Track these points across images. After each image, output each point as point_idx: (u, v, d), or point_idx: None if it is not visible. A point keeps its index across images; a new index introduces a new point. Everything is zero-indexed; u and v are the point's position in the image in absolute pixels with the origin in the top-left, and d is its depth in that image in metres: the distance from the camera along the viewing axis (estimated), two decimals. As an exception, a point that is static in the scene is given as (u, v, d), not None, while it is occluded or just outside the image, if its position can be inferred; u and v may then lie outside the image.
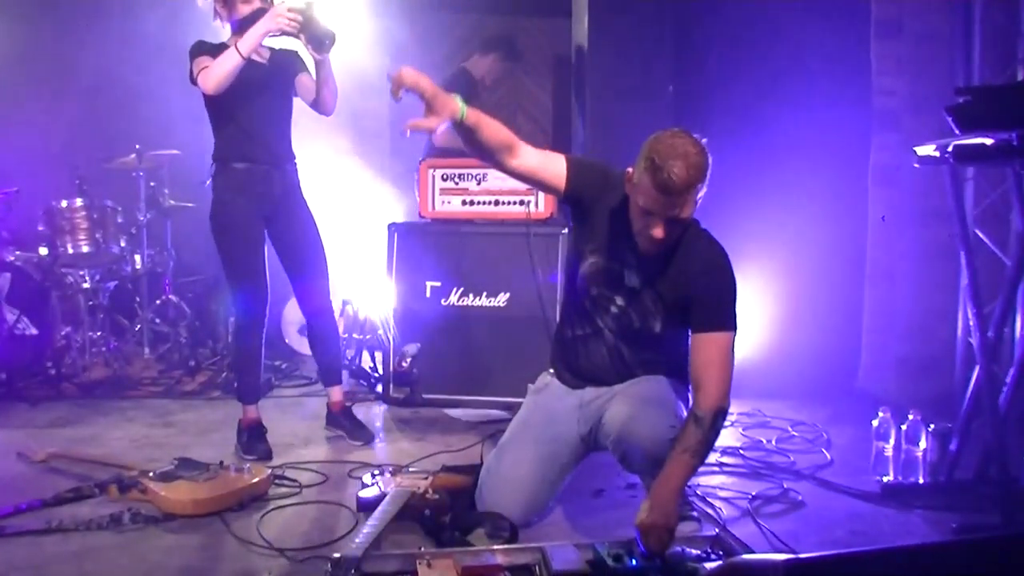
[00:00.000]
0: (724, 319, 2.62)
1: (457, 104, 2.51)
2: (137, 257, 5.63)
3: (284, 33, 3.45)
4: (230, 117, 3.62)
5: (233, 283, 3.75)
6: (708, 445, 2.56)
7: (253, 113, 3.63)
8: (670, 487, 2.46)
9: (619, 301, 2.80)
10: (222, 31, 3.72)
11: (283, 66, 3.76)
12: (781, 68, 4.91)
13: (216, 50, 3.51)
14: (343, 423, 3.99)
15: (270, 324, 3.92)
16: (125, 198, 5.68)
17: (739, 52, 5.01)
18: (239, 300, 3.77)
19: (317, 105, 3.76)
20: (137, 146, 5.54)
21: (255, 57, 3.53)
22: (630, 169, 2.60)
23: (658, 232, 2.52)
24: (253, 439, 3.76)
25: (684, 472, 2.51)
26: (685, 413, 2.73)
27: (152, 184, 5.71)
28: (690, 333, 2.70)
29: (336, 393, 4.03)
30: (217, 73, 3.42)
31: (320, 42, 3.46)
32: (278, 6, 3.44)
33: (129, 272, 5.61)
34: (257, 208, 3.70)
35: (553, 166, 2.73)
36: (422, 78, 2.45)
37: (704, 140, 2.51)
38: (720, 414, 2.56)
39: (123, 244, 5.45)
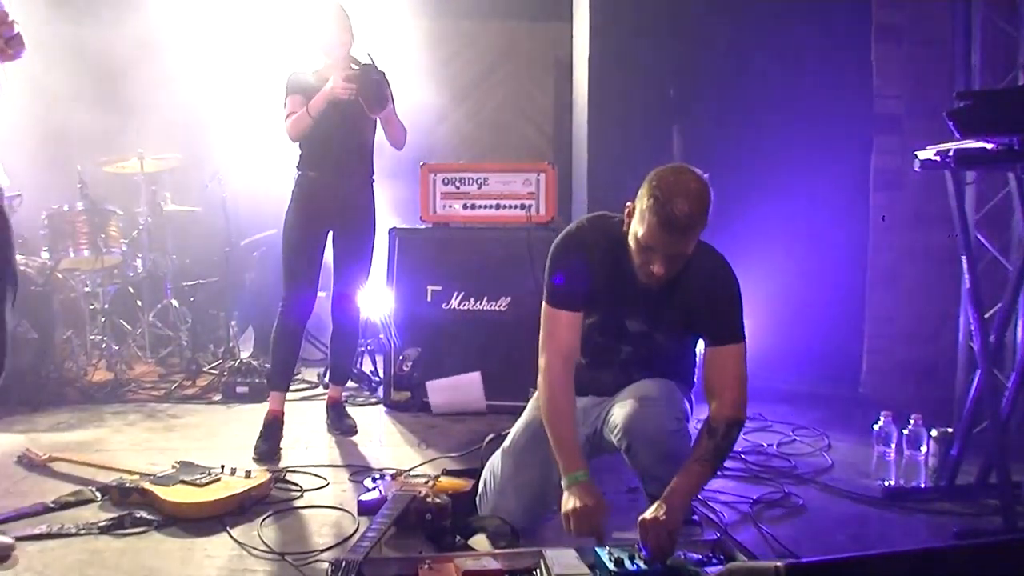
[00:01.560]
0: (734, 332, 2.61)
1: (592, 487, 2.53)
2: (138, 261, 5.64)
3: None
4: (311, 133, 3.90)
5: (285, 279, 3.98)
6: (721, 456, 2.56)
7: (331, 131, 3.88)
8: (681, 494, 2.45)
9: (626, 347, 2.82)
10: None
11: None
12: (782, 71, 4.92)
13: (305, 88, 3.86)
14: (330, 414, 4.33)
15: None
16: (126, 202, 5.69)
17: (739, 56, 5.02)
18: (286, 297, 3.98)
19: (387, 138, 4.06)
20: (139, 150, 5.55)
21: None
22: (630, 204, 2.56)
23: (658, 268, 2.48)
24: (262, 436, 3.85)
25: (696, 481, 2.51)
26: (689, 408, 2.75)
27: (153, 188, 5.72)
28: (702, 348, 2.69)
29: (334, 390, 4.38)
30: (294, 129, 3.87)
31: (373, 105, 3.83)
32: (336, 75, 3.77)
33: (130, 276, 5.62)
34: (321, 215, 3.95)
35: (572, 321, 2.72)
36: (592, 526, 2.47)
37: (706, 175, 2.47)
38: (735, 425, 2.56)
39: (124, 248, 5.46)
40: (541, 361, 2.72)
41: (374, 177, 4.12)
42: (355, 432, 4.17)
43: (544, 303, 2.75)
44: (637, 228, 2.48)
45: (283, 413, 3.99)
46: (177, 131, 5.96)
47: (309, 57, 4.02)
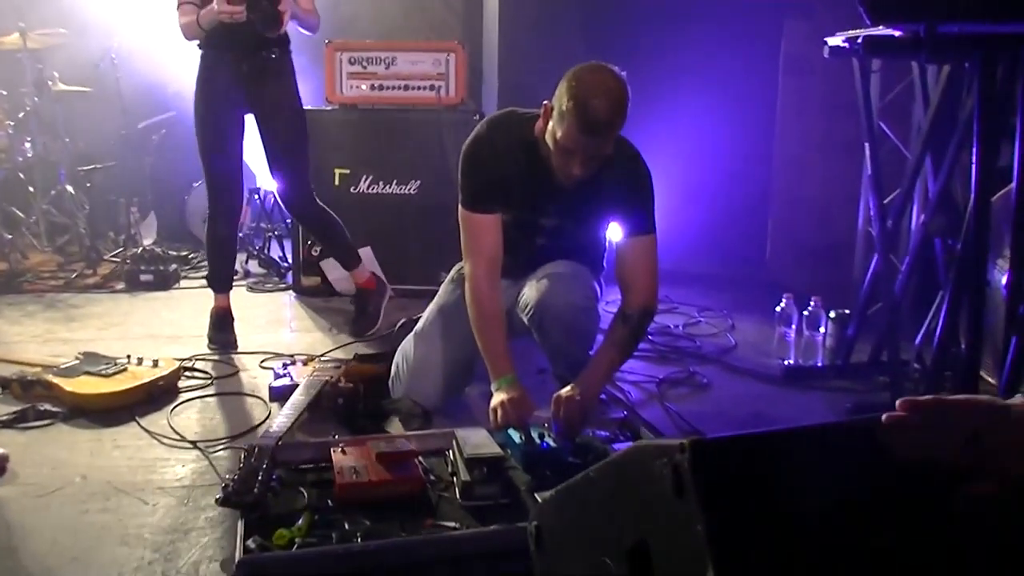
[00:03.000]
0: (648, 224, 2.66)
1: (519, 386, 2.56)
2: (27, 145, 5.35)
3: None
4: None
5: (204, 168, 3.68)
6: (634, 342, 2.67)
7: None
8: (596, 375, 2.56)
9: (540, 239, 2.82)
10: None
11: None
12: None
13: None
14: (355, 307, 4.04)
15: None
16: (10, 82, 5.37)
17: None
18: (210, 186, 3.70)
19: (299, 27, 3.66)
20: (21, 24, 5.19)
21: None
22: (547, 102, 2.50)
23: (578, 169, 2.47)
24: (215, 328, 3.75)
25: (609, 365, 2.62)
26: (599, 290, 2.80)
27: (39, 67, 5.37)
28: (614, 237, 2.73)
29: (358, 276, 4.03)
30: (187, 34, 3.54)
31: (266, 26, 3.40)
32: None
33: (19, 161, 5.33)
34: (231, 93, 3.59)
35: (493, 223, 2.68)
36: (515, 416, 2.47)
37: (624, 73, 2.42)
38: (647, 314, 2.66)
39: (10, 131, 5.17)
40: (466, 267, 2.72)
41: (290, 46, 3.70)
42: (376, 324, 3.96)
43: (461, 208, 2.71)
44: (556, 129, 2.44)
45: (230, 308, 3.82)
46: (63, 4, 5.60)
47: None
